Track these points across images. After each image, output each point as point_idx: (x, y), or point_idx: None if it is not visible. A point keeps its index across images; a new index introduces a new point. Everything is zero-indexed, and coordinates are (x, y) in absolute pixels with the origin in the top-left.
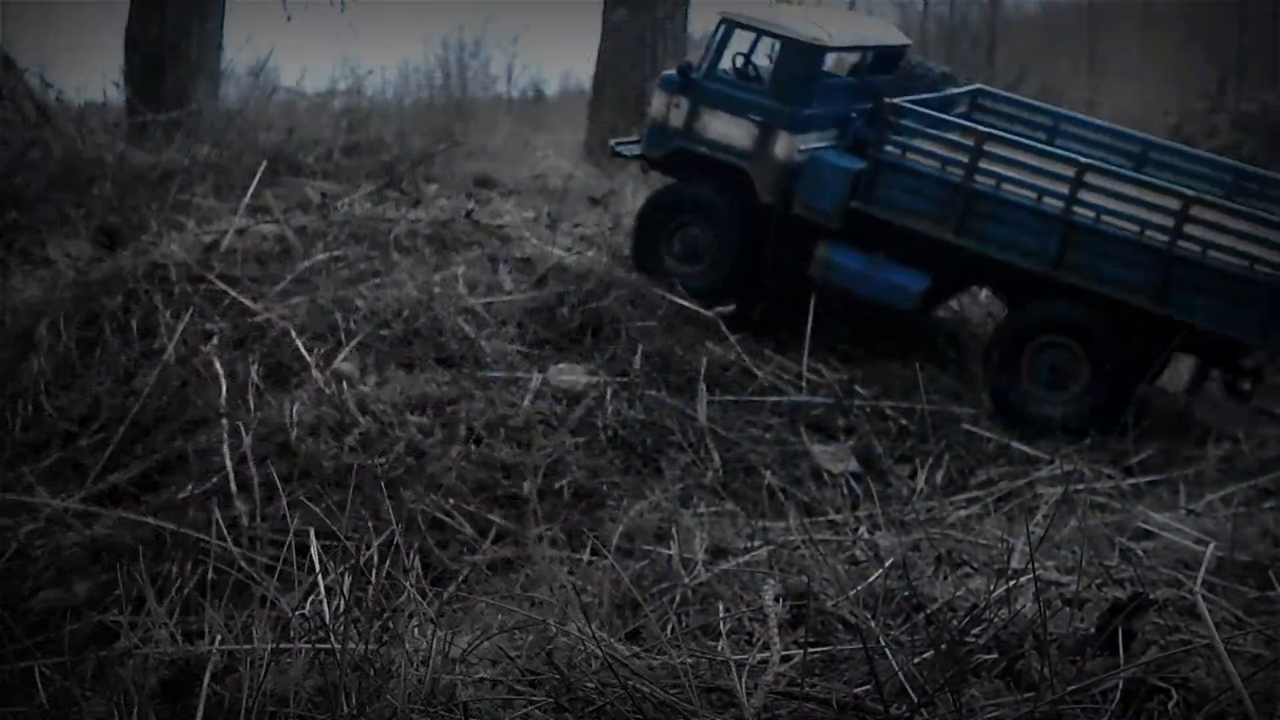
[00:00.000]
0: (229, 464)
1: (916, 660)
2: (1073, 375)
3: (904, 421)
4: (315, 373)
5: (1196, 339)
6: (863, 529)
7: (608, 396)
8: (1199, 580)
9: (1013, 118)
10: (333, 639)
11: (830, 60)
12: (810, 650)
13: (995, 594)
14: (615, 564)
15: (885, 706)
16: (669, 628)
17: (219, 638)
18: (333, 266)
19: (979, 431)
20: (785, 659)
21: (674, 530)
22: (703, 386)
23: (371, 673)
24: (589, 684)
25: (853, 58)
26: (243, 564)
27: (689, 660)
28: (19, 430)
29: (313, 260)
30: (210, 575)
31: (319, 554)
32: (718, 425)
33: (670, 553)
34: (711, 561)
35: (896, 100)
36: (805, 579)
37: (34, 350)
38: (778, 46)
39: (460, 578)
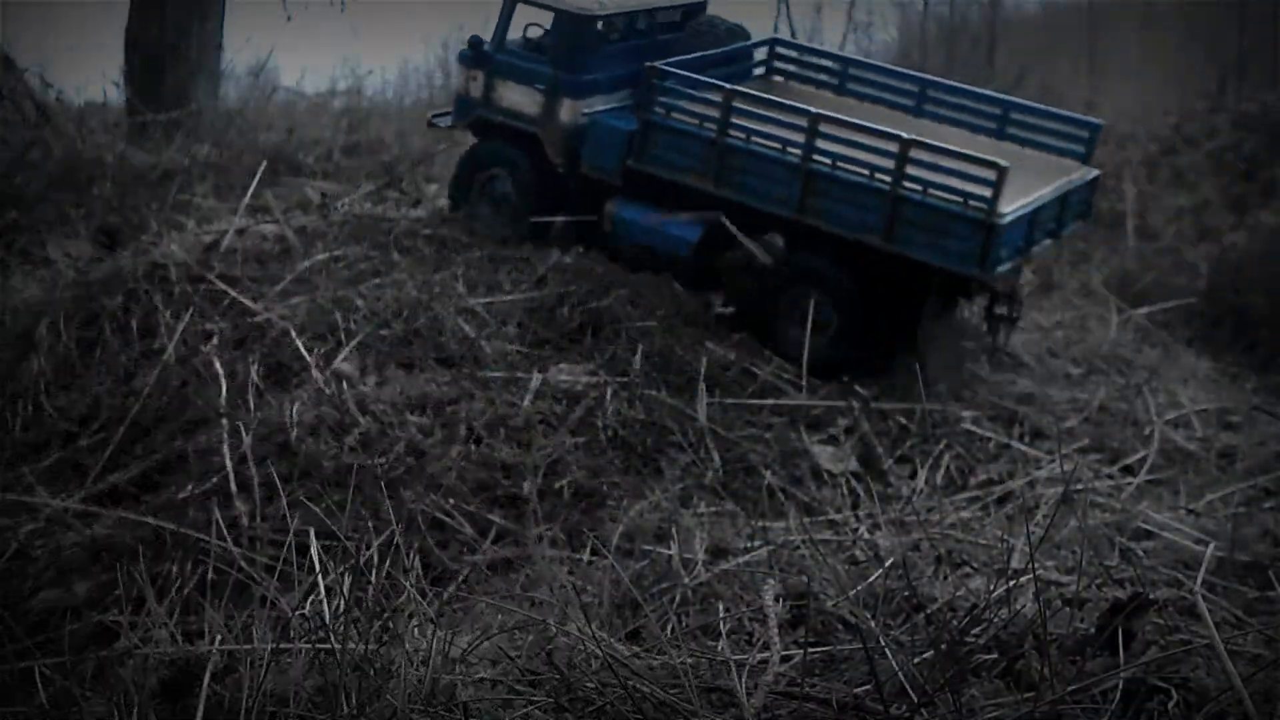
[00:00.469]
0: (229, 464)
1: (916, 660)
2: (824, 318)
3: (904, 421)
4: (315, 373)
5: (934, 276)
6: (863, 529)
7: (608, 396)
8: (1199, 580)
9: (804, 64)
10: (333, 639)
11: (608, 26)
12: (810, 650)
13: (995, 594)
14: (615, 564)
15: (885, 706)
16: (669, 628)
17: (219, 638)
18: (333, 266)
19: (979, 431)
20: (785, 659)
21: (674, 530)
22: (703, 386)
23: (371, 673)
24: (589, 684)
25: (642, 21)
26: (243, 564)
27: (689, 660)
28: (19, 430)
29: (313, 260)
30: (210, 575)
31: (319, 554)
32: (718, 425)
33: (670, 553)
34: (711, 561)
35: (656, 63)
36: (805, 579)
37: (34, 350)
38: (553, 17)
39: (460, 578)
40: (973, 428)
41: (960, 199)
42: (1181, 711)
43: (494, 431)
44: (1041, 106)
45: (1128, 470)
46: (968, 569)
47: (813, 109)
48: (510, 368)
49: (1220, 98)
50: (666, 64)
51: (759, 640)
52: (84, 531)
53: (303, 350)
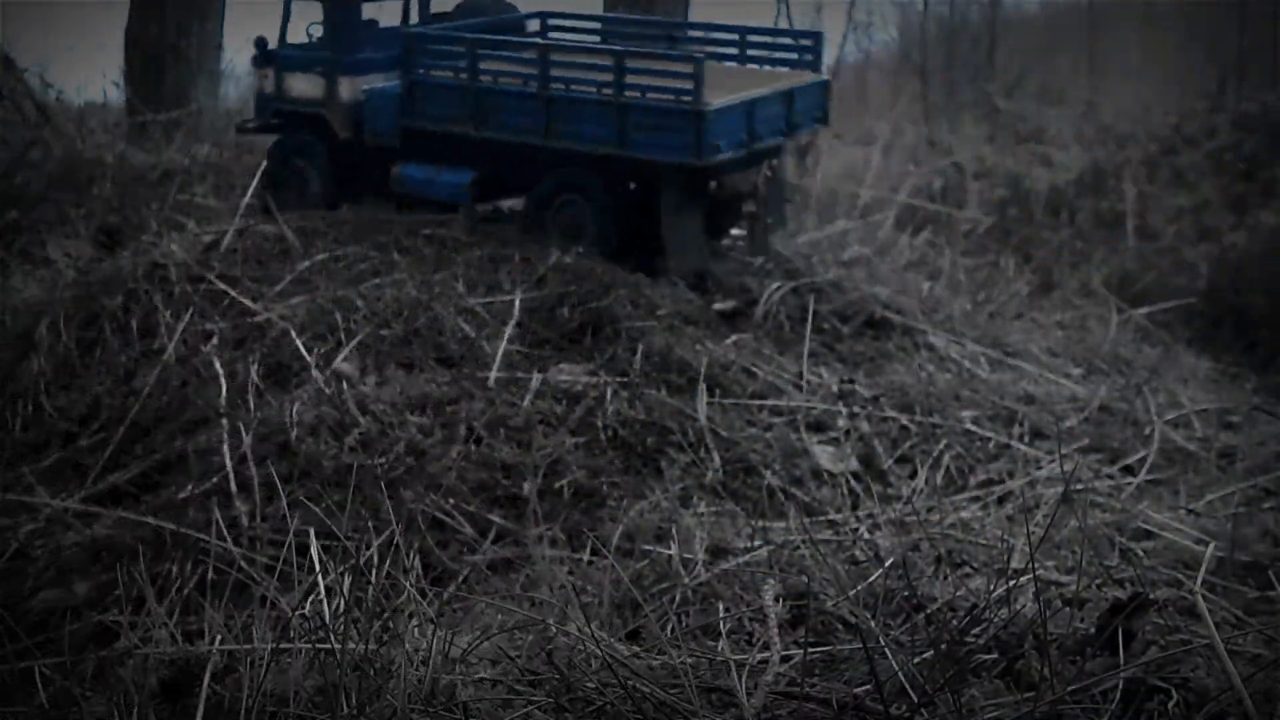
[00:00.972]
0: (229, 464)
1: (916, 660)
2: (584, 225)
3: (904, 421)
4: (315, 373)
5: (665, 173)
6: (863, 529)
7: (608, 396)
8: (1199, 580)
9: (578, 30)
10: (333, 639)
11: (373, 9)
12: (810, 650)
13: (995, 594)
14: (615, 564)
15: (885, 706)
16: (669, 628)
17: (219, 638)
18: (333, 266)
19: (979, 431)
20: (785, 659)
21: (674, 530)
22: (703, 386)
23: (371, 673)
24: (589, 684)
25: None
26: (243, 564)
27: (689, 660)
28: (19, 430)
29: (313, 260)
30: (210, 575)
31: (319, 554)
32: (718, 425)
33: (670, 553)
34: (711, 561)
35: (410, 29)
36: (805, 579)
37: (34, 350)
38: (323, 7)
39: (460, 578)
40: (973, 428)
41: (672, 95)
42: (1181, 711)
43: (494, 431)
44: (769, 28)
45: (1128, 470)
46: (968, 569)
47: (540, 41)
48: (510, 368)
49: (1220, 98)
50: (424, 29)
51: (759, 640)
52: (84, 531)
53: (303, 350)
